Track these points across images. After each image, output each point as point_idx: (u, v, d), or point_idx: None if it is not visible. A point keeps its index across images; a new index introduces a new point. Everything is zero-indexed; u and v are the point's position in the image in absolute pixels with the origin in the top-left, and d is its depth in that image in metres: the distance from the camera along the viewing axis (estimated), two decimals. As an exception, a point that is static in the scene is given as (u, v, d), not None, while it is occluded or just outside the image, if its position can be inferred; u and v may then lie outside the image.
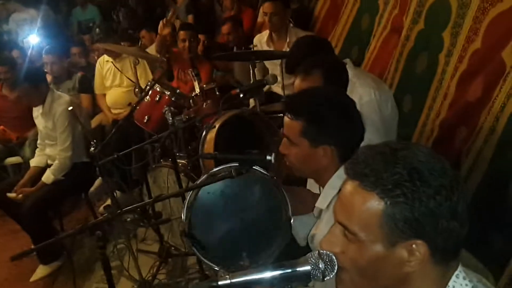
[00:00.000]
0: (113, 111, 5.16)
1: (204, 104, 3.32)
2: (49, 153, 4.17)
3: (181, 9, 7.26)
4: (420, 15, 3.88)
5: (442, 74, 3.46)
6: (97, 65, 5.21)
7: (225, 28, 5.20)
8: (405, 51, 3.98)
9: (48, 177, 3.97)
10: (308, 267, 1.07)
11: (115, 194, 4.11)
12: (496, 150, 2.70)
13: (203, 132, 3.11)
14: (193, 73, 3.45)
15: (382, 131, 2.57)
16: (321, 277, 1.08)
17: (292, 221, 1.89)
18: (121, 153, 3.28)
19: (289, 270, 1.07)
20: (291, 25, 4.55)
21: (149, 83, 3.58)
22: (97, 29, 5.89)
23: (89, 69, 5.46)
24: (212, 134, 2.87)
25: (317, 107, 1.70)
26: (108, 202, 4.51)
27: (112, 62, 5.09)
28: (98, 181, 4.59)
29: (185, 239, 1.91)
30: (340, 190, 1.14)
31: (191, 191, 1.89)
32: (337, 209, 1.14)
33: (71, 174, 4.04)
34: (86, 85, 5.24)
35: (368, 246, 1.07)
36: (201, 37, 5.01)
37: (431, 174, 1.05)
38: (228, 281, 1.08)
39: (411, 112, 3.65)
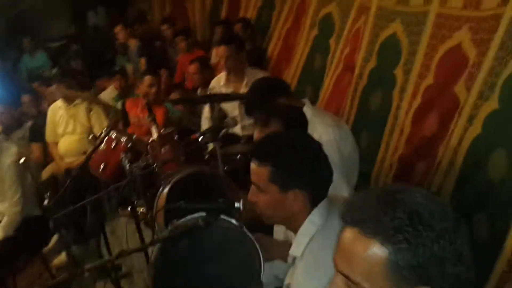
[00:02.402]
0: (66, 159, 4.99)
1: (162, 149, 3.24)
2: (-3, 209, 3.97)
3: (133, 53, 7.22)
4: (371, 54, 3.97)
5: (397, 110, 3.53)
6: (49, 112, 5.06)
7: (192, 68, 5.15)
8: (359, 89, 4.04)
9: (-3, 233, 3.77)
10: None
11: (71, 249, 3.95)
12: (456, 185, 2.73)
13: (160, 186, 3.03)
14: (150, 118, 3.38)
15: (343, 170, 2.55)
16: None
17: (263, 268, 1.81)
18: (76, 205, 3.17)
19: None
20: (247, 65, 4.57)
21: (104, 130, 3.49)
22: (53, 70, 5.75)
23: (40, 117, 5.29)
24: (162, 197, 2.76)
25: (284, 151, 1.67)
26: (63, 256, 4.32)
27: (65, 108, 4.96)
28: (54, 239, 4.40)
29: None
30: (339, 237, 1.09)
31: (155, 245, 1.80)
32: (338, 258, 1.10)
33: (22, 230, 3.84)
34: (37, 134, 5.07)
35: None
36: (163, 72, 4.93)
37: (432, 217, 1.02)
38: None
39: (368, 148, 3.68)
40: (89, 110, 4.35)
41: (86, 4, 9.13)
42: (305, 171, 1.66)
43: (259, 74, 4.44)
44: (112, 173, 3.56)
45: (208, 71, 5.17)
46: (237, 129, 4.24)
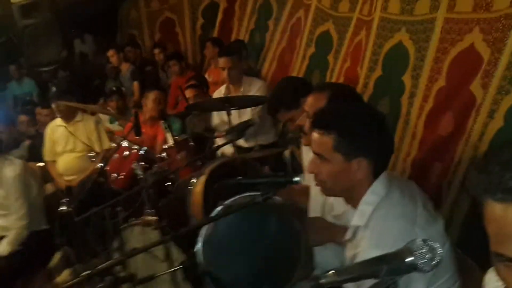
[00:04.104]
0: (66, 177, 4.90)
1: (178, 155, 3.22)
2: (1, 224, 3.86)
3: (126, 76, 7.21)
4: (376, 63, 4.04)
5: (407, 115, 3.58)
6: (47, 130, 4.99)
7: (189, 92, 5.08)
8: (364, 98, 4.09)
9: (4, 249, 3.65)
10: (413, 258, 1.00)
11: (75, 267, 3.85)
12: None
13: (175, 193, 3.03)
14: (165, 125, 3.37)
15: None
16: (428, 268, 1.01)
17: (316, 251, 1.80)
18: (89, 213, 3.11)
19: (396, 262, 0.99)
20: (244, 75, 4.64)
21: (117, 139, 3.46)
22: (53, 88, 5.69)
23: (38, 137, 5.21)
24: (199, 187, 2.75)
25: (348, 119, 1.68)
26: (67, 274, 4.19)
27: (64, 126, 4.89)
28: (57, 256, 4.27)
29: (203, 277, 1.77)
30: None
31: (207, 225, 1.77)
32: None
33: (29, 244, 3.74)
34: (35, 153, 4.98)
35: None
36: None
37: None
38: (332, 276, 0.99)
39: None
40: (97, 123, 4.29)
41: (73, 32, 9.12)
42: (369, 140, 1.67)
43: (255, 82, 4.53)
44: (125, 182, 3.51)
45: (203, 93, 5.14)
46: (240, 141, 4.24)
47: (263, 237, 1.83)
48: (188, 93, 5.13)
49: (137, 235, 3.36)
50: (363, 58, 4.25)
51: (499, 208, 0.93)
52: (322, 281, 1.00)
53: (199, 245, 1.83)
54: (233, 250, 1.84)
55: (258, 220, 1.82)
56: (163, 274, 2.71)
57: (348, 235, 1.74)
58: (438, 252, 1.02)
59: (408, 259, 0.99)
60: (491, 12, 2.95)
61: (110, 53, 7.40)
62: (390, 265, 0.99)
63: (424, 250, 1.01)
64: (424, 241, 1.02)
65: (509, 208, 0.91)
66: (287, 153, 3.61)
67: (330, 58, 4.94)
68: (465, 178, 2.86)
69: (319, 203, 2.27)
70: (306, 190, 2.52)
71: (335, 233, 1.92)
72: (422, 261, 1.00)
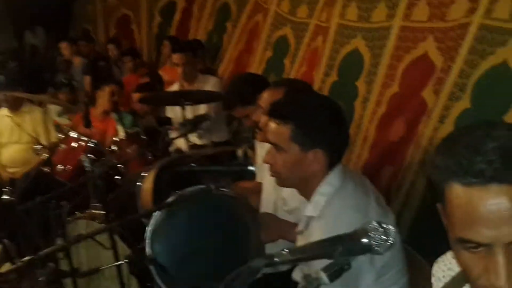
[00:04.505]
0: (9, 169, 4.70)
1: (129, 149, 3.14)
2: None
3: (77, 70, 7.02)
4: (332, 68, 4.10)
5: (359, 120, 3.63)
6: (-7, 119, 4.79)
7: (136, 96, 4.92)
8: (319, 102, 4.14)
9: None
10: (368, 239, 0.99)
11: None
12: (428, 182, 2.83)
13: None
14: (116, 116, 3.28)
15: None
16: (381, 250, 1.00)
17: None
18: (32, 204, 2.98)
19: (351, 243, 0.98)
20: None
21: (65, 130, 3.34)
22: (1, 77, 5.46)
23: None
24: (149, 182, 2.69)
25: (306, 110, 1.67)
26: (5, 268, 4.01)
27: (11, 116, 4.70)
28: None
29: (150, 266, 1.72)
30: None
31: (157, 213, 1.72)
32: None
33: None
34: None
35: None
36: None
37: None
38: (286, 256, 0.97)
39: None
40: (45, 115, 4.13)
41: (24, 24, 8.85)
42: (326, 131, 1.67)
43: (210, 79, 4.49)
44: (72, 174, 3.40)
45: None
46: (194, 138, 4.20)
47: (214, 230, 1.79)
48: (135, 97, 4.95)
49: (82, 229, 3.25)
50: (319, 63, 4.30)
51: (467, 192, 0.92)
52: (276, 259, 0.98)
53: (147, 236, 1.77)
54: (183, 242, 1.80)
55: (209, 212, 1.79)
56: (107, 267, 2.63)
57: (301, 226, 1.74)
58: (392, 234, 1.02)
59: (363, 240, 0.99)
60: (445, 21, 3.04)
61: (63, 45, 7.19)
62: (345, 246, 0.98)
63: (379, 231, 1.01)
64: (379, 223, 1.02)
65: (477, 192, 0.90)
66: (240, 152, 3.59)
67: (287, 62, 4.98)
68: (414, 181, 2.92)
69: (271, 200, 2.26)
70: (257, 189, 2.50)
71: (286, 229, 1.92)
72: (377, 243, 1.00)
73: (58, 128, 5.05)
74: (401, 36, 3.41)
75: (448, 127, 2.74)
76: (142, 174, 2.79)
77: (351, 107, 3.74)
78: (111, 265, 2.46)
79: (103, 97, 4.22)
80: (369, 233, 1.00)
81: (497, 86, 2.52)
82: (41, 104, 5.11)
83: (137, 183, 2.81)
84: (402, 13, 3.42)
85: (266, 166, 1.88)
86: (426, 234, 2.71)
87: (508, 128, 0.94)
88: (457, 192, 0.93)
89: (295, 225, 1.90)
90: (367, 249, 0.99)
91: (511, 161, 0.88)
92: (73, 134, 3.46)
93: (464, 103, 2.68)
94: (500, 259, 0.91)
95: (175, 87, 4.49)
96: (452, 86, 2.79)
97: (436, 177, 0.96)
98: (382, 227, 1.01)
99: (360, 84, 3.71)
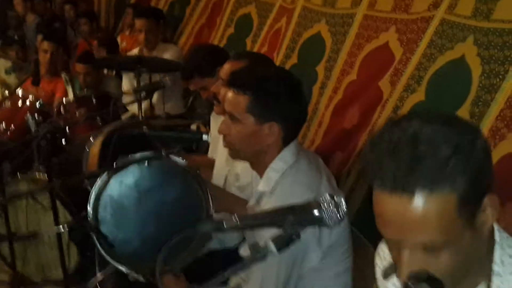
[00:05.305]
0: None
1: (77, 112, 3.03)
2: None
3: (30, 28, 6.73)
4: (293, 51, 4.07)
5: (316, 105, 3.63)
6: None
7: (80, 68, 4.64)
8: (277, 83, 4.11)
9: None
10: (320, 211, 0.98)
11: None
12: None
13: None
14: (66, 77, 3.15)
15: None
16: (332, 223, 0.99)
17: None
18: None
19: (303, 213, 0.97)
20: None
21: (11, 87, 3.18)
22: None
23: None
24: (96, 148, 2.59)
25: (265, 82, 1.63)
26: None
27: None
28: None
29: (91, 233, 1.65)
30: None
31: (102, 177, 1.66)
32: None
33: None
34: None
35: None
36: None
37: None
38: (235, 222, 0.94)
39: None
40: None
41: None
42: (284, 104, 1.64)
43: (170, 47, 4.40)
44: (16, 134, 3.25)
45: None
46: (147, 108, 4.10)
47: (163, 199, 1.74)
48: (79, 68, 4.73)
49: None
50: (280, 45, 4.27)
51: (378, 194, 0.98)
52: (225, 225, 0.95)
53: (91, 201, 1.70)
54: (129, 210, 1.74)
55: (159, 181, 1.73)
56: (46, 232, 2.54)
57: (252, 201, 1.71)
58: (343, 208, 1.01)
59: (315, 211, 0.97)
60: (408, 13, 3.06)
61: (16, 0, 6.87)
62: (297, 216, 0.97)
63: (331, 204, 1.00)
64: (332, 196, 1.01)
65: (384, 195, 0.96)
66: (193, 127, 3.54)
67: (248, 41, 4.93)
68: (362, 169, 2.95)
69: (223, 175, 2.23)
70: (209, 164, 2.46)
71: (233, 203, 1.89)
72: (328, 215, 0.99)
73: (5, 85, 4.84)
74: (364, 25, 3.41)
75: (401, 118, 2.77)
76: (90, 139, 2.69)
77: (309, 91, 3.72)
78: (49, 231, 2.38)
79: (40, 55, 4.04)
80: (321, 205, 0.99)
81: (453, 81, 2.56)
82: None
83: (85, 149, 2.71)
84: (367, 1, 3.43)
85: (220, 140, 1.85)
86: (372, 218, 2.75)
87: (443, 123, 0.94)
88: (375, 191, 1.01)
89: (243, 200, 1.88)
90: (318, 221, 0.98)
91: (418, 170, 0.90)
92: (19, 92, 3.30)
93: (418, 96, 2.71)
94: (405, 257, 0.97)
95: (134, 53, 4.37)
96: (408, 78, 2.82)
97: (365, 177, 1.01)
98: (334, 201, 1.00)
99: (320, 69, 3.71)
